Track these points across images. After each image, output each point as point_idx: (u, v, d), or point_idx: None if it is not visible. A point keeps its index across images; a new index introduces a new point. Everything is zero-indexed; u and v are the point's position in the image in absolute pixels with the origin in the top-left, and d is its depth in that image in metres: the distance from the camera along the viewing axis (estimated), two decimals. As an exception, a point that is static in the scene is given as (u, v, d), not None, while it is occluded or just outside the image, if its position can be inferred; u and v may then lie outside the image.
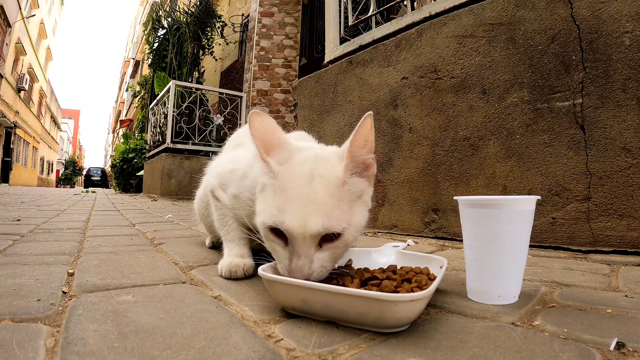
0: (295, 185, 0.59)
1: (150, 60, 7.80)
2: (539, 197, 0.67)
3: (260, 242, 0.66)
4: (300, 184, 0.59)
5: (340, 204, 0.58)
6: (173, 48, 6.52)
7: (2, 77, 14.84)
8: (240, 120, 5.17)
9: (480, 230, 0.64)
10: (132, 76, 21.96)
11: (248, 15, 5.98)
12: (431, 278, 0.64)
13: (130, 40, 33.77)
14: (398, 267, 0.71)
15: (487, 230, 0.63)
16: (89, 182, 22.47)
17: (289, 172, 0.61)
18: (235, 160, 0.87)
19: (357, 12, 2.15)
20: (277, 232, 0.59)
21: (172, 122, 4.87)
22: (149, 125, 6.20)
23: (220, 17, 6.75)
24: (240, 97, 5.25)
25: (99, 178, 23.73)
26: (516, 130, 1.31)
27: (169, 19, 6.97)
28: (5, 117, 15.56)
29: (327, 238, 0.58)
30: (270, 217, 0.58)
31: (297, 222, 0.56)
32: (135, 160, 7.59)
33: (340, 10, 2.27)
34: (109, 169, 20.33)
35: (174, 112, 4.89)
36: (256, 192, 0.66)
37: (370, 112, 0.61)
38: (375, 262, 0.80)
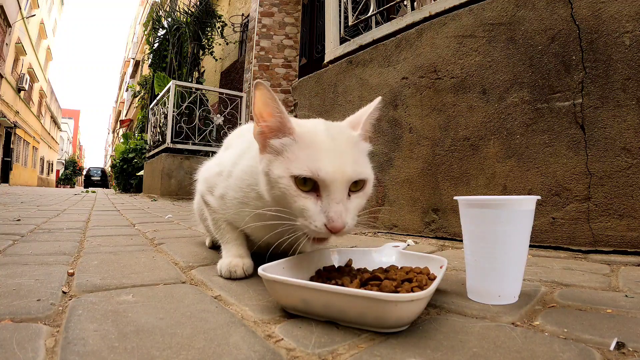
0: (320, 139, 0.63)
1: (150, 60, 7.81)
2: (539, 197, 0.67)
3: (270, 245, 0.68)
4: (324, 139, 0.64)
5: (360, 156, 0.67)
6: (173, 48, 6.52)
7: (2, 77, 14.83)
8: (240, 120, 5.16)
9: (481, 230, 0.64)
10: (132, 76, 21.95)
11: (248, 15, 5.98)
12: (431, 278, 0.64)
13: (130, 40, 33.76)
14: (398, 267, 0.71)
15: (487, 230, 0.63)
16: (89, 182, 22.46)
17: (309, 132, 0.65)
18: (220, 163, 0.88)
19: (357, 12, 2.15)
20: (307, 187, 0.61)
21: (172, 122, 4.87)
22: (149, 125, 6.20)
23: (220, 17, 6.75)
24: (240, 97, 5.25)
25: (99, 178, 23.72)
26: (516, 130, 1.31)
27: (169, 19, 6.97)
28: (5, 117, 15.55)
29: (352, 188, 0.63)
30: (303, 168, 0.60)
31: (334, 167, 0.60)
32: (135, 160, 7.59)
33: (340, 10, 2.27)
34: (109, 169, 20.33)
35: (174, 112, 4.89)
36: (262, 162, 0.67)
37: (381, 97, 0.73)
38: (375, 262, 0.80)
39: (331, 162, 0.60)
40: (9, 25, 14.96)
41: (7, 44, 15.15)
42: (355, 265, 0.75)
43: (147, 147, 6.30)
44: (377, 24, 2.10)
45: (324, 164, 0.60)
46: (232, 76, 6.78)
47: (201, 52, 6.67)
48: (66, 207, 3.03)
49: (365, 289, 0.56)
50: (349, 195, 0.63)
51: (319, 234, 0.61)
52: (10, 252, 1.03)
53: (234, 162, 0.79)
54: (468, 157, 1.44)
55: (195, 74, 6.73)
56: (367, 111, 0.71)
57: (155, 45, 7.35)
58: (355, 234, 1.66)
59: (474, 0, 1.47)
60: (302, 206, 0.61)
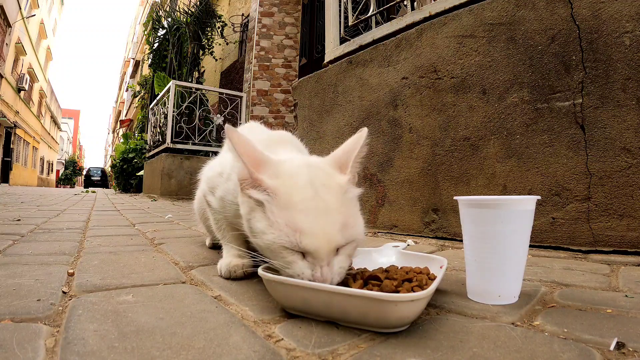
0: (301, 197, 0.56)
1: (150, 60, 7.80)
2: (539, 197, 0.67)
3: (257, 255, 0.63)
4: (306, 195, 0.56)
5: (349, 211, 0.60)
6: (173, 48, 6.52)
7: (2, 77, 14.83)
8: (240, 121, 5.17)
9: (480, 230, 0.64)
10: (132, 76, 21.95)
11: (248, 15, 5.98)
12: (431, 278, 0.64)
13: (130, 40, 33.76)
14: (398, 267, 0.71)
15: (487, 230, 0.63)
16: (89, 182, 22.48)
17: (288, 185, 0.58)
18: (222, 163, 0.87)
19: (357, 12, 2.15)
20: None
21: (172, 122, 4.87)
22: (149, 125, 6.20)
23: (220, 17, 6.75)
24: (240, 97, 5.25)
25: (99, 178, 23.74)
26: (516, 130, 1.31)
27: (169, 19, 6.97)
28: (5, 117, 15.56)
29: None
30: (283, 237, 0.55)
31: (318, 239, 0.54)
32: (135, 160, 7.59)
33: (340, 10, 2.27)
34: (109, 169, 20.34)
35: (174, 112, 4.89)
36: (242, 212, 0.63)
37: (366, 128, 0.66)
38: (375, 262, 0.80)
39: (313, 229, 0.54)
40: (9, 25, 14.96)
41: (7, 44, 15.16)
42: (356, 265, 0.75)
43: (147, 147, 6.30)
44: (377, 24, 2.10)
45: (305, 232, 0.54)
46: (232, 76, 6.78)
47: (201, 52, 6.67)
48: (66, 207, 3.03)
49: (366, 289, 0.56)
50: (337, 250, 0.57)
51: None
52: (10, 252, 1.03)
53: (232, 166, 0.78)
54: (468, 157, 1.44)
55: (195, 74, 6.73)
56: (356, 148, 0.63)
57: (155, 45, 7.35)
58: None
59: (474, 0, 1.47)
60: (287, 260, 0.57)
